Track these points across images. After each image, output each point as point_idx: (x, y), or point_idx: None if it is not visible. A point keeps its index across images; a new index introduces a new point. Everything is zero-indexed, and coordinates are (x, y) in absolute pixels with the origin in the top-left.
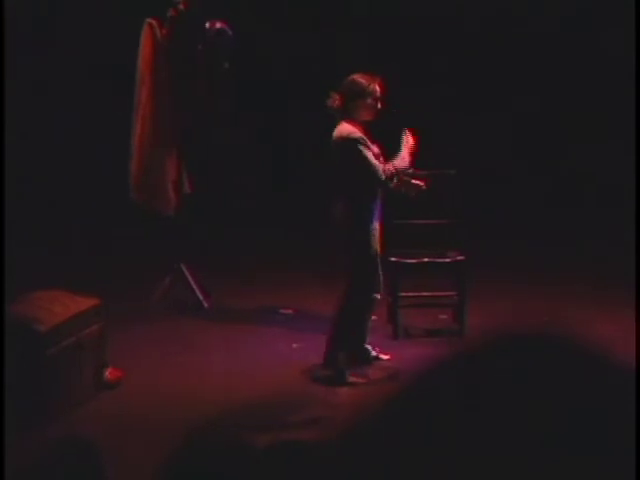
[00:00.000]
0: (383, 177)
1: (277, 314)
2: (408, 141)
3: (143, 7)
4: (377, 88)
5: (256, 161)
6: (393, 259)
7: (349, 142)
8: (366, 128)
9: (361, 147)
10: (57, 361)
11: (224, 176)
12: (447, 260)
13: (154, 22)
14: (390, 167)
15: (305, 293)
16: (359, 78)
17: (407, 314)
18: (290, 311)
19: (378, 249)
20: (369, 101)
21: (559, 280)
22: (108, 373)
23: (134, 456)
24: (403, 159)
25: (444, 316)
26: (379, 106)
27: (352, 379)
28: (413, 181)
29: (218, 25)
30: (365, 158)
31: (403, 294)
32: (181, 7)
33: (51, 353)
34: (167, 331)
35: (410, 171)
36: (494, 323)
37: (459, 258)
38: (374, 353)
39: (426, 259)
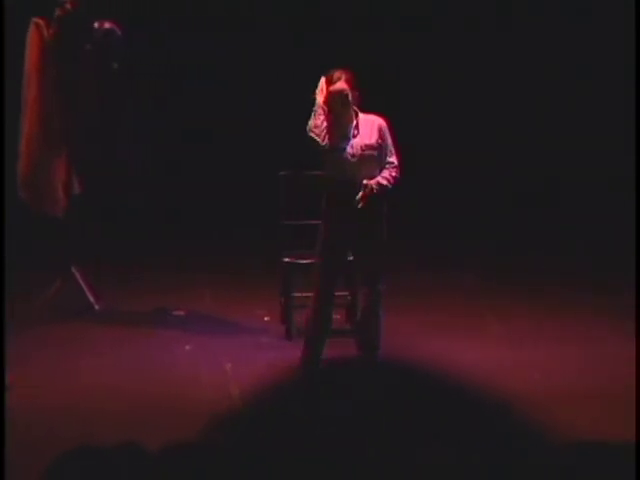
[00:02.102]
0: (310, 128)
1: (169, 316)
2: (322, 89)
3: (29, 6)
4: (334, 88)
5: (147, 159)
6: (286, 260)
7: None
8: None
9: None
10: None
11: (114, 176)
12: None
13: (41, 21)
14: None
15: (196, 294)
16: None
17: (300, 314)
18: (182, 312)
19: (335, 244)
20: (331, 100)
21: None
22: None
23: (24, 461)
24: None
25: (337, 316)
26: (339, 105)
27: None
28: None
29: (107, 25)
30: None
31: (296, 294)
32: (68, 6)
33: None
34: (57, 334)
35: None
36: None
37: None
38: None
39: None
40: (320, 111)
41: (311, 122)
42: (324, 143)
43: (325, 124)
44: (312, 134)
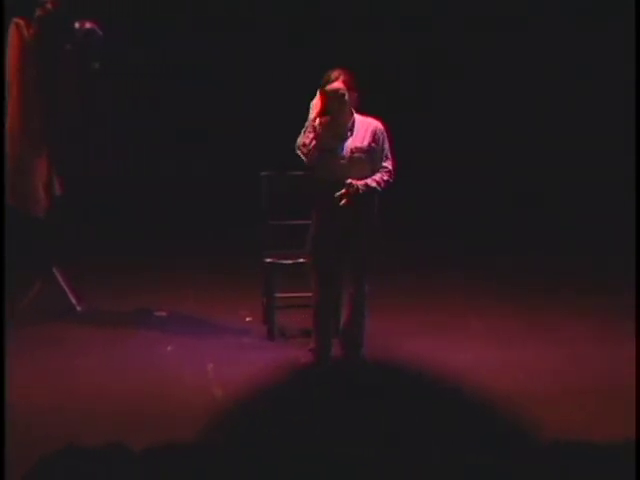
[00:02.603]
0: (298, 146)
1: (151, 316)
2: (316, 104)
3: (9, 6)
4: (330, 87)
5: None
6: (268, 260)
7: None
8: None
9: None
10: None
11: (94, 176)
12: None
13: (21, 22)
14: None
15: (178, 295)
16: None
17: (283, 315)
18: (164, 313)
19: (323, 243)
20: (327, 100)
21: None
22: None
23: (12, 460)
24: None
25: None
26: (336, 104)
27: None
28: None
29: (87, 25)
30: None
31: (279, 295)
32: (49, 6)
33: None
34: (40, 335)
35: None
36: None
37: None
38: None
39: (302, 260)
40: (310, 129)
41: (300, 140)
42: (310, 163)
43: (314, 143)
44: (299, 152)
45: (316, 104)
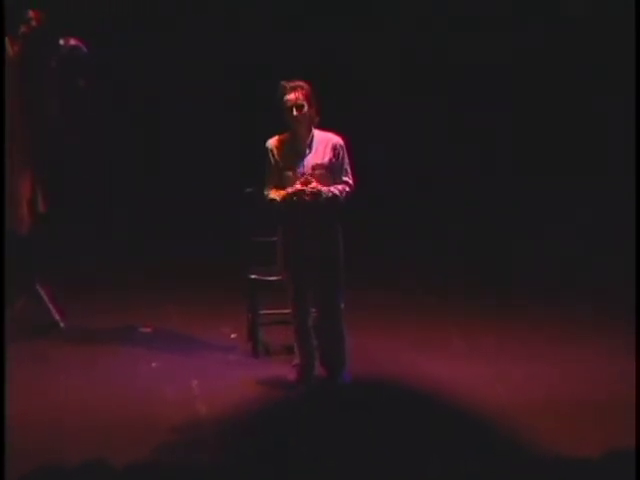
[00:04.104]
0: (266, 192)
1: (136, 333)
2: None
3: None
4: (288, 97)
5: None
6: (253, 276)
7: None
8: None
9: (267, 155)
10: None
11: (78, 194)
12: None
13: (5, 39)
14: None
15: (163, 311)
16: (281, 88)
17: (267, 331)
18: (149, 329)
19: (293, 260)
20: (286, 110)
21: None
22: None
23: None
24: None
25: None
26: (294, 114)
27: None
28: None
29: (72, 42)
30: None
31: (263, 311)
32: (33, 23)
33: None
34: (23, 353)
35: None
36: None
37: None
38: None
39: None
40: (270, 171)
41: (266, 192)
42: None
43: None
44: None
45: (272, 146)
